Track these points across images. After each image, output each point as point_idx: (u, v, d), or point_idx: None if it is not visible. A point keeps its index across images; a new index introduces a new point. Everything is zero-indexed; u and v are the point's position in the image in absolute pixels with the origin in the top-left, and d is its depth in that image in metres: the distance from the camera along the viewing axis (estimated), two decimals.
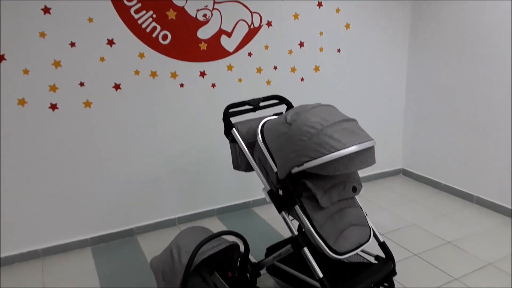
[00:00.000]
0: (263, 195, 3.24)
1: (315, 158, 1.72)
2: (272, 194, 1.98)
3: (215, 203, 3.13)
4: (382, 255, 2.06)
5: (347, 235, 1.88)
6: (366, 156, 1.76)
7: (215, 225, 2.97)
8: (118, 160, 2.72)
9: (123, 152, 2.72)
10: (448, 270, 2.34)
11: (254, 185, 3.21)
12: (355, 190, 1.98)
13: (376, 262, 2.04)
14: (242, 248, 1.99)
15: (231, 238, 2.70)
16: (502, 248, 2.54)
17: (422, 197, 3.34)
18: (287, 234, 2.80)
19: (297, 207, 1.87)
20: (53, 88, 2.44)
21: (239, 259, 1.99)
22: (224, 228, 2.93)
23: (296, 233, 1.89)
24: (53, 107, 2.46)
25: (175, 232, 2.90)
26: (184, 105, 2.82)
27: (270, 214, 3.12)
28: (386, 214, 3.07)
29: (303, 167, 1.77)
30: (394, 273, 2.03)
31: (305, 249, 1.86)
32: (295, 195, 1.87)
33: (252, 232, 2.85)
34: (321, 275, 1.80)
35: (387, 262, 2.00)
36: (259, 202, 3.27)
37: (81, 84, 2.50)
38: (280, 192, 1.92)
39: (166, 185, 2.91)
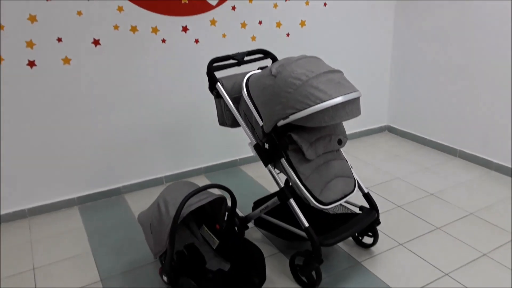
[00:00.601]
0: (250, 153, 3.26)
1: (300, 110, 1.71)
2: (258, 148, 1.98)
3: (202, 162, 3.13)
4: (367, 205, 2.11)
5: (332, 186, 1.91)
6: (352, 107, 1.76)
7: (203, 183, 2.98)
8: (101, 119, 2.67)
9: (106, 111, 2.67)
10: (431, 219, 2.41)
11: (241, 144, 3.21)
12: (340, 142, 1.99)
13: (360, 212, 2.09)
14: (229, 202, 2.02)
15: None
16: (483, 198, 2.62)
17: (406, 152, 3.39)
18: (273, 190, 2.83)
19: (283, 160, 1.88)
20: (30, 44, 2.35)
21: (227, 212, 2.01)
22: None
23: (282, 185, 1.91)
24: (31, 64, 2.38)
25: None
26: (167, 61, 2.75)
27: (258, 172, 3.14)
28: (370, 169, 3.11)
29: (289, 119, 1.76)
30: (378, 222, 2.08)
31: (291, 200, 1.88)
32: (281, 148, 1.87)
33: (239, 189, 2.88)
34: (307, 224, 1.84)
35: (371, 212, 2.05)
36: (246, 161, 3.29)
37: (59, 39, 2.40)
38: (266, 145, 1.92)
39: (152, 143, 2.89)
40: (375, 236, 2.13)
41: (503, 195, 2.64)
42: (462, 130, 3.16)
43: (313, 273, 1.88)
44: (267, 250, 2.20)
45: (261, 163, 3.27)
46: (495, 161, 2.96)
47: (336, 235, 1.87)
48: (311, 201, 1.84)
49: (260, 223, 2.20)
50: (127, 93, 2.69)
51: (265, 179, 3.01)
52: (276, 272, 2.03)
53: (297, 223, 1.91)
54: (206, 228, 2.08)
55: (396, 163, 3.19)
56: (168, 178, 3.02)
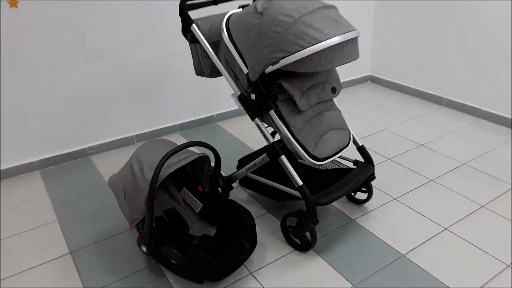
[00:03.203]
0: (228, 108, 3.02)
1: (293, 53, 1.48)
2: (243, 99, 1.74)
3: (177, 119, 2.87)
4: (360, 159, 1.95)
5: (326, 140, 1.72)
6: (350, 48, 1.54)
7: (179, 142, 2.75)
8: (60, 73, 2.34)
9: (65, 63, 2.33)
10: (423, 172, 2.29)
11: (218, 98, 2.95)
12: (334, 91, 1.80)
13: (354, 167, 1.92)
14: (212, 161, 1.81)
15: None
16: (474, 147, 2.52)
17: (392, 103, 3.24)
18: (257, 147, 2.63)
19: (272, 112, 1.67)
20: None
21: (210, 173, 1.80)
22: None
23: (272, 140, 1.71)
24: None
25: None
26: (132, 4, 2.41)
27: (237, 128, 2.92)
28: (356, 121, 2.95)
29: (279, 64, 1.53)
30: (373, 177, 1.93)
31: (283, 157, 1.69)
32: (270, 98, 1.65)
33: (219, 147, 2.66)
34: (300, 183, 1.66)
35: (366, 166, 1.89)
36: (224, 116, 3.04)
37: None
38: (253, 96, 1.69)
39: (120, 99, 2.59)
40: (369, 192, 1.99)
41: (494, 143, 2.55)
42: (449, 78, 3.02)
43: (307, 234, 1.74)
44: (255, 211, 2.03)
45: (240, 118, 3.05)
46: (483, 108, 2.85)
47: (331, 193, 1.71)
48: (305, 157, 1.65)
49: (246, 182, 2.01)
50: (89, 42, 2.36)
51: (246, 135, 2.80)
52: (266, 234, 1.87)
53: (287, 181, 1.73)
54: (187, 191, 1.87)
55: (382, 114, 3.04)
56: (139, 137, 2.76)
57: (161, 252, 1.56)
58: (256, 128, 2.84)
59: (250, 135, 2.80)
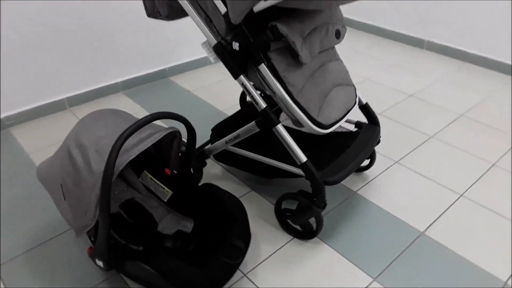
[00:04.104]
0: (182, 59, 2.50)
1: None
2: (220, 50, 1.28)
3: (119, 75, 2.31)
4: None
5: (332, 100, 1.34)
6: None
7: (124, 104, 2.22)
8: None
9: None
10: (420, 127, 2.01)
11: (170, 47, 2.42)
12: (338, 35, 1.39)
13: (357, 130, 1.57)
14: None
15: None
16: (468, 96, 2.27)
17: (367, 47, 2.89)
18: (224, 108, 2.18)
19: (263, 67, 1.23)
20: None
21: (180, 151, 1.36)
22: (136, 107, 2.20)
23: (264, 105, 1.28)
24: None
25: (67, 119, 2.10)
26: None
27: (196, 83, 2.43)
28: None
29: None
30: (378, 140, 1.60)
31: (279, 126, 1.28)
32: (260, 48, 1.21)
33: (175, 109, 2.18)
34: (304, 159, 1.28)
35: (374, 129, 1.55)
36: (177, 69, 2.52)
37: None
38: (235, 45, 1.23)
39: (45, 50, 1.99)
40: (373, 158, 1.67)
41: (487, 90, 2.32)
42: (429, 17, 2.70)
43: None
44: (235, 189, 1.63)
45: (199, 71, 2.56)
46: (470, 51, 2.58)
47: (341, 168, 1.35)
48: (308, 124, 1.27)
49: (222, 156, 1.58)
50: None
51: (207, 92, 2.33)
52: (254, 221, 1.49)
53: (278, 154, 1.35)
54: (149, 175, 1.42)
55: (359, 61, 2.69)
56: (72, 100, 2.19)
57: (125, 269, 1.13)
58: (220, 84, 2.39)
59: (213, 91, 2.33)
